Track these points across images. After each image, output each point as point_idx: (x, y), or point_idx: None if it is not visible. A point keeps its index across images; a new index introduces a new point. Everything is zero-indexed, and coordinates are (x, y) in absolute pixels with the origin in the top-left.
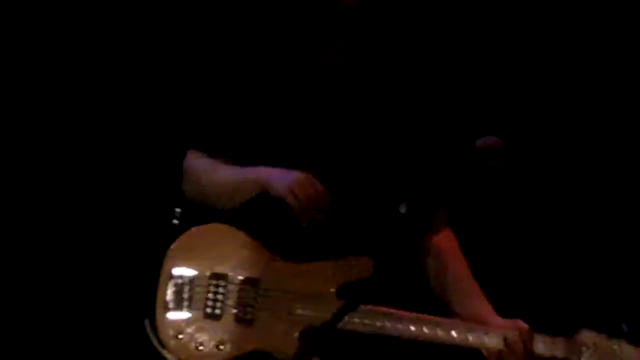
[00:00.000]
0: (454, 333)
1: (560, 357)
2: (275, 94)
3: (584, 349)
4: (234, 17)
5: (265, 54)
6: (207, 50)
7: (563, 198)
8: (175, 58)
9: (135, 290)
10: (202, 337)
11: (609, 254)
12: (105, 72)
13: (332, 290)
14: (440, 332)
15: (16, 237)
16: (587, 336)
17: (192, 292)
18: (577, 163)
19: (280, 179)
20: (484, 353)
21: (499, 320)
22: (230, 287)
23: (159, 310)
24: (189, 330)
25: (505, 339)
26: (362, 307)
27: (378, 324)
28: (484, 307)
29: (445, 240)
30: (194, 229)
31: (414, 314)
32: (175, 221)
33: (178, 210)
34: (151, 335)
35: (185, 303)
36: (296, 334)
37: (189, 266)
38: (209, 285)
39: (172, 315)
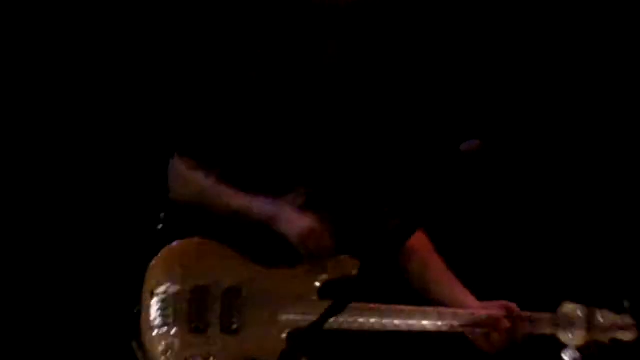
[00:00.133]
0: (439, 322)
1: (547, 333)
2: (267, 95)
3: (569, 321)
4: (225, 20)
5: (256, 57)
6: (197, 55)
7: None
8: (166, 63)
9: (117, 313)
10: (191, 351)
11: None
12: (96, 74)
13: (313, 291)
14: (426, 322)
15: None
16: (570, 309)
17: (175, 308)
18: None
19: (291, 226)
20: (470, 337)
21: (483, 305)
22: (213, 299)
23: (145, 330)
24: (176, 346)
25: (491, 320)
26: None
27: (361, 320)
28: (467, 295)
29: (419, 240)
30: (171, 246)
31: (397, 307)
32: (159, 226)
33: (162, 215)
34: (140, 356)
35: (170, 320)
36: (283, 339)
37: (169, 283)
38: (192, 299)
39: (158, 334)
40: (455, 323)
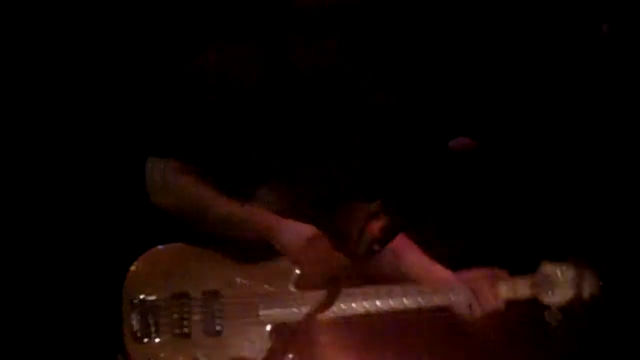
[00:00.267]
0: (420, 299)
1: (528, 295)
2: (258, 96)
3: (549, 282)
4: (215, 22)
5: (250, 58)
6: (185, 54)
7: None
8: (152, 60)
9: (99, 328)
10: (177, 358)
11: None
12: (77, 72)
13: (291, 285)
14: (407, 301)
15: None
16: (549, 268)
17: (157, 316)
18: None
19: (292, 235)
20: (455, 310)
21: (458, 275)
22: (193, 303)
23: (129, 342)
24: (162, 355)
25: (471, 290)
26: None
27: (343, 306)
28: (445, 271)
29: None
30: (147, 253)
31: (376, 288)
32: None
33: None
34: None
35: (153, 328)
36: (267, 336)
37: (148, 292)
38: (172, 306)
39: (143, 344)
40: (436, 299)
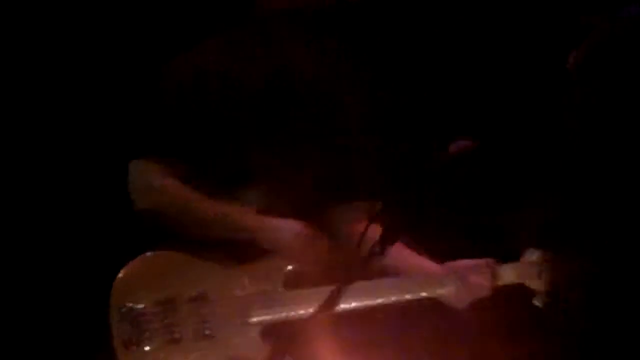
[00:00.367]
0: (407, 292)
1: (515, 282)
2: (249, 96)
3: (535, 267)
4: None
5: (237, 59)
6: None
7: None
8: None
9: (87, 338)
10: None
11: None
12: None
13: (280, 285)
14: (394, 295)
15: None
16: (535, 255)
17: (146, 324)
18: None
19: (282, 232)
20: (442, 300)
21: (447, 266)
22: (181, 308)
23: (120, 351)
24: None
25: (458, 279)
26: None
27: (344, 306)
28: (430, 263)
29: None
30: (133, 261)
31: (362, 283)
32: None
33: None
34: None
35: (142, 336)
36: (258, 338)
37: (135, 300)
38: (160, 312)
39: (134, 353)
40: (424, 293)
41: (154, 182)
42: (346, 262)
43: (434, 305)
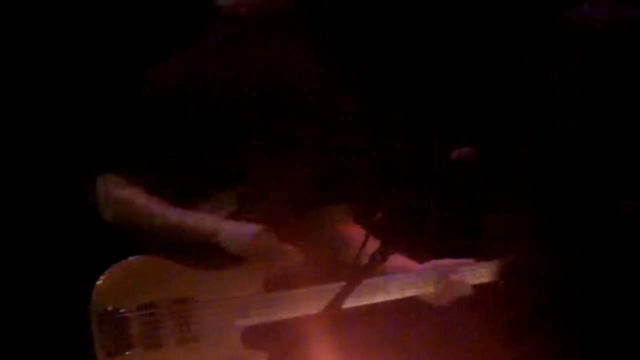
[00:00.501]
0: (388, 291)
1: (492, 280)
2: (214, 101)
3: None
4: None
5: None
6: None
7: None
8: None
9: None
10: None
11: None
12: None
13: (260, 287)
14: (376, 295)
15: None
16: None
17: (127, 329)
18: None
19: (237, 235)
20: (423, 299)
21: (427, 265)
22: (162, 312)
23: (101, 357)
24: None
25: (438, 279)
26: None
27: (314, 306)
28: (410, 262)
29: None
30: (114, 266)
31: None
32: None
33: None
34: None
35: (124, 342)
36: (241, 340)
37: (115, 306)
38: (141, 317)
39: (116, 358)
40: (406, 292)
41: (113, 194)
42: (326, 264)
43: (430, 306)
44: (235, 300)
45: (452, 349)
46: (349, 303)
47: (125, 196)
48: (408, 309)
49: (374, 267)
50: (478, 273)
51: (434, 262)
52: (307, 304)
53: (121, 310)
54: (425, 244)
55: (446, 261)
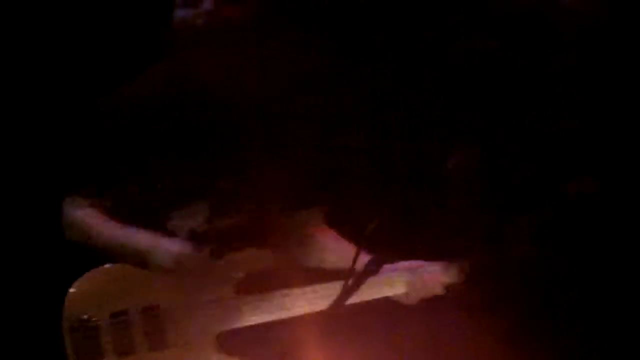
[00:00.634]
0: (359, 292)
1: (462, 280)
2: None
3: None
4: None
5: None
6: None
7: None
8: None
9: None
10: None
11: None
12: None
13: (230, 290)
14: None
15: None
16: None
17: (99, 337)
18: None
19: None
20: (399, 300)
21: (398, 266)
22: (133, 319)
23: None
24: None
25: (410, 278)
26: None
27: (299, 310)
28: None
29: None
30: (84, 276)
31: (313, 287)
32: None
33: None
34: None
35: (97, 350)
36: (213, 346)
37: (87, 314)
38: (112, 324)
39: None
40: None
41: (71, 215)
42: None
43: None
44: (207, 305)
45: (443, 351)
46: (317, 305)
47: (79, 217)
48: (394, 310)
49: (366, 277)
50: (451, 272)
51: (405, 263)
52: (281, 307)
53: (93, 319)
54: (419, 248)
55: (417, 262)
